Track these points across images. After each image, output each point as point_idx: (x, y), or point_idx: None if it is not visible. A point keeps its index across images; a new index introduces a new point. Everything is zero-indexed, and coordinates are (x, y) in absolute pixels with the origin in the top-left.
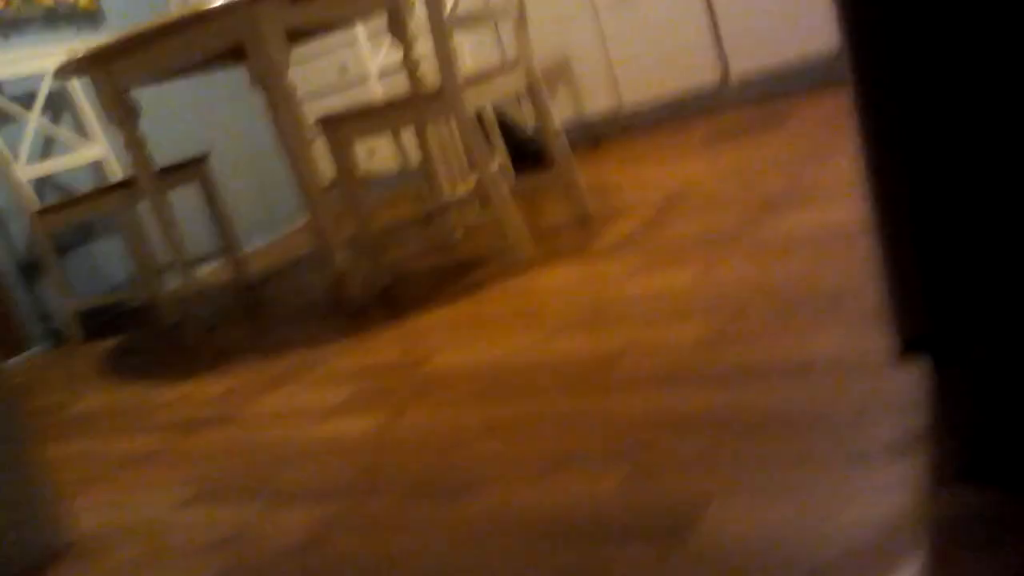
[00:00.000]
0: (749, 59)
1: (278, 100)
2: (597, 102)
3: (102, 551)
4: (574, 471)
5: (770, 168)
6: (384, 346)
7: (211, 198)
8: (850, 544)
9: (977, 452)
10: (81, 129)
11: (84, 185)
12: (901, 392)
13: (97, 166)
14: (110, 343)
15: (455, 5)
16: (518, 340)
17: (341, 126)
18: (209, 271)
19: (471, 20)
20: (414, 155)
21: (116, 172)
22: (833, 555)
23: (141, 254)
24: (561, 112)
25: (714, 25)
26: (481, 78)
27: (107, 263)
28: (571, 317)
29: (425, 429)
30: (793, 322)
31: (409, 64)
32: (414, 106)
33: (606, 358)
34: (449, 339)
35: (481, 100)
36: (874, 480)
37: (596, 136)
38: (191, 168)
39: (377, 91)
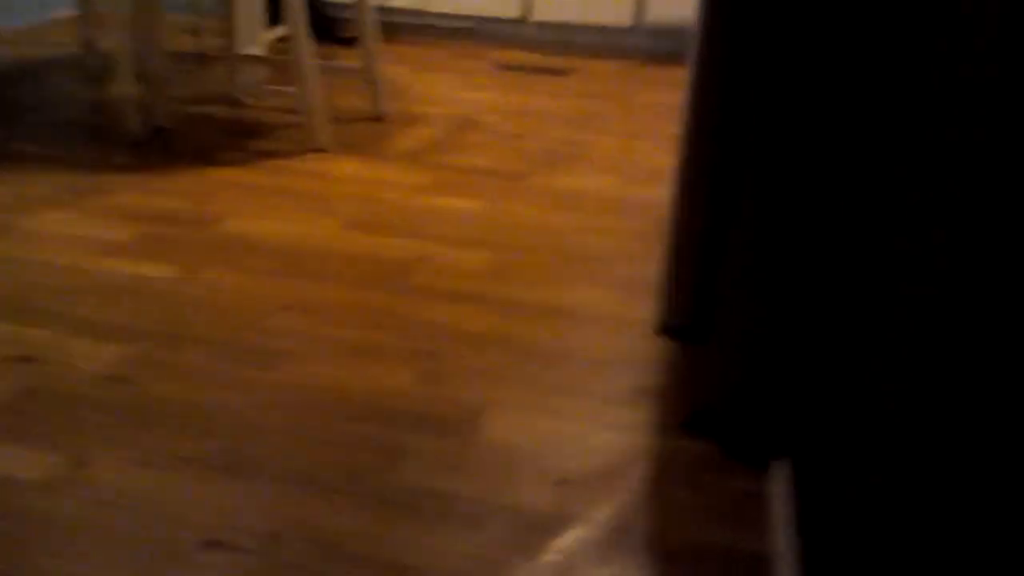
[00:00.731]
0: (548, 8)
1: None
2: None
3: None
4: (373, 361)
5: (553, 119)
6: (169, 192)
7: None
8: (591, 464)
9: (700, 411)
10: None
11: None
12: (648, 353)
13: None
14: None
15: None
16: (314, 224)
17: None
18: None
19: None
20: None
21: None
22: (577, 470)
23: None
24: None
25: None
26: None
27: None
28: (366, 215)
29: (224, 291)
30: (567, 270)
31: None
32: None
33: (402, 263)
34: (240, 203)
35: None
36: (617, 417)
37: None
38: None
39: None
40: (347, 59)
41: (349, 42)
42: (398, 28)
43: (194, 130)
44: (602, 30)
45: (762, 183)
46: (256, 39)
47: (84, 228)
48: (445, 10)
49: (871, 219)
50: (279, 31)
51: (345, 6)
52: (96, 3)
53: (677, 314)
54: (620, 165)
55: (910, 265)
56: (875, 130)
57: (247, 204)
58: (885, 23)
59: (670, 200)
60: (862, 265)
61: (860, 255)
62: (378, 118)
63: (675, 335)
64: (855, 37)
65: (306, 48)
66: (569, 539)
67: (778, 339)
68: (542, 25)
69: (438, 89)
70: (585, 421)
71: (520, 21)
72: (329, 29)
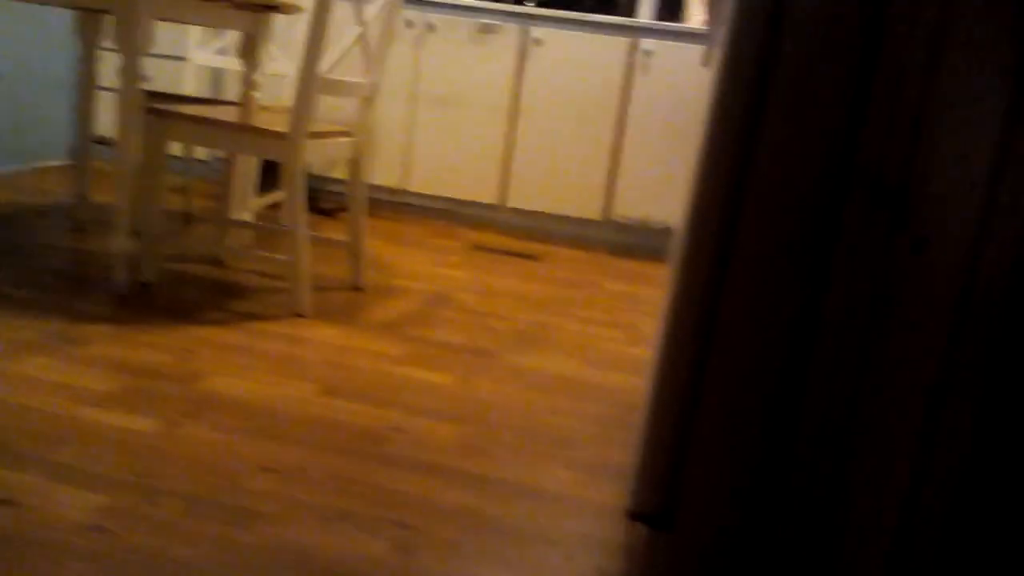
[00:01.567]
0: (523, 198)
1: (128, 76)
2: (382, 176)
3: None
4: (347, 528)
5: (522, 301)
6: (152, 346)
7: None
8: None
9: None
10: None
11: None
12: (613, 537)
13: None
14: None
15: (328, 69)
16: (291, 387)
17: (170, 123)
18: None
19: (334, 87)
20: (202, 152)
21: None
22: None
23: None
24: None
25: (508, 156)
26: (322, 136)
27: None
28: (341, 381)
29: (202, 448)
30: (534, 449)
31: (247, 83)
32: (255, 139)
33: (375, 431)
34: (221, 362)
35: (315, 156)
36: None
37: (341, 205)
38: None
39: (188, 74)
40: (326, 229)
41: (328, 213)
42: (377, 204)
43: (178, 287)
44: (572, 220)
45: (730, 376)
46: (247, 204)
47: (68, 376)
48: (424, 190)
49: (837, 420)
50: (269, 199)
51: (326, 179)
52: (93, 157)
53: (646, 500)
54: (584, 350)
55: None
56: (839, 323)
57: (227, 363)
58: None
59: (646, 389)
60: (830, 459)
61: (826, 450)
62: (356, 288)
63: (644, 520)
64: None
65: (303, 218)
66: None
67: (744, 530)
68: (516, 211)
69: (414, 265)
70: None
71: (496, 206)
72: (309, 199)
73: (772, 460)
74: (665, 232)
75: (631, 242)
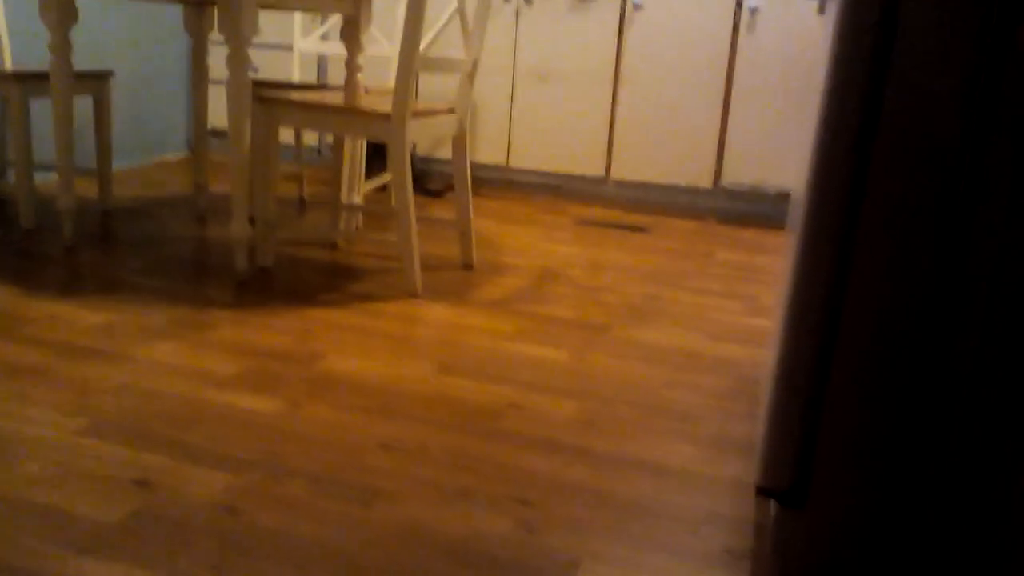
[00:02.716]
0: (628, 169)
1: (236, 64)
2: (484, 154)
3: (1, 458)
4: (470, 505)
5: (633, 274)
6: (272, 329)
7: (100, 116)
8: None
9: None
10: None
11: None
12: (741, 514)
13: None
14: None
15: (427, 46)
16: (406, 366)
17: (279, 110)
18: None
19: (434, 64)
20: (308, 137)
21: (4, 51)
22: None
23: (21, 150)
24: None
25: (611, 128)
26: (424, 114)
27: None
28: (456, 359)
29: (324, 427)
30: (655, 424)
31: (350, 67)
32: (360, 121)
33: (493, 410)
34: (338, 343)
35: (419, 135)
36: None
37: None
38: (92, 81)
39: (294, 62)
40: (434, 210)
41: (435, 194)
42: (482, 183)
43: (295, 271)
44: (681, 190)
45: (865, 346)
46: (357, 188)
47: (195, 360)
48: (527, 167)
49: (988, 379)
50: (377, 182)
51: (431, 160)
52: (209, 149)
53: (776, 475)
54: (700, 321)
55: None
56: (991, 304)
57: (344, 343)
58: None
59: (771, 361)
60: (981, 433)
61: (979, 421)
62: (467, 267)
63: (773, 496)
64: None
65: (410, 199)
66: None
67: (879, 509)
68: (622, 183)
69: (522, 241)
70: None
71: (601, 179)
72: (416, 180)
73: (913, 437)
74: (779, 198)
75: (743, 210)
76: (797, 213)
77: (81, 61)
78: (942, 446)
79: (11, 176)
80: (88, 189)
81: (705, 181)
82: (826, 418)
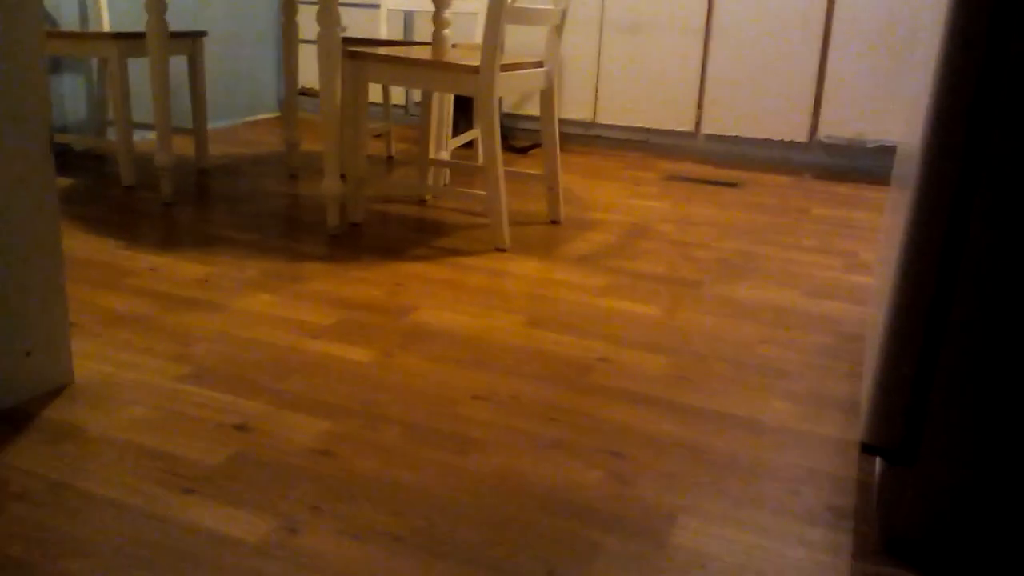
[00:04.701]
0: (719, 123)
1: (325, 20)
2: (570, 110)
3: (107, 402)
4: (562, 456)
5: (725, 230)
6: (364, 282)
7: (194, 75)
8: None
9: (902, 537)
10: None
11: (69, 19)
12: (843, 471)
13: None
14: (61, 181)
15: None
16: (496, 319)
17: (368, 65)
18: (152, 141)
19: (522, 15)
20: (395, 96)
21: (102, 12)
22: None
23: (120, 110)
24: (534, 106)
25: (702, 81)
26: (512, 68)
27: (59, 101)
28: (545, 313)
29: (417, 377)
30: (749, 381)
31: (438, 23)
32: (448, 75)
33: (582, 362)
34: (429, 295)
35: (507, 88)
36: (814, 536)
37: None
38: (186, 41)
39: (381, 20)
40: (520, 166)
41: (522, 151)
42: (569, 139)
43: (385, 226)
44: (774, 144)
45: (983, 304)
46: (444, 144)
47: (290, 311)
48: (615, 122)
49: None
50: (464, 138)
51: (517, 117)
52: (300, 108)
53: (883, 432)
54: (795, 278)
55: None
56: None
57: (435, 296)
58: None
59: (878, 317)
60: None
61: None
62: (554, 222)
63: (880, 453)
64: None
65: (498, 156)
66: None
67: (994, 466)
68: (712, 137)
69: (610, 197)
70: (781, 538)
71: (691, 133)
72: (504, 138)
73: None
74: (880, 151)
75: (840, 164)
76: (908, 168)
77: (176, 22)
78: None
79: (111, 135)
80: (184, 147)
81: (800, 135)
82: (940, 376)
